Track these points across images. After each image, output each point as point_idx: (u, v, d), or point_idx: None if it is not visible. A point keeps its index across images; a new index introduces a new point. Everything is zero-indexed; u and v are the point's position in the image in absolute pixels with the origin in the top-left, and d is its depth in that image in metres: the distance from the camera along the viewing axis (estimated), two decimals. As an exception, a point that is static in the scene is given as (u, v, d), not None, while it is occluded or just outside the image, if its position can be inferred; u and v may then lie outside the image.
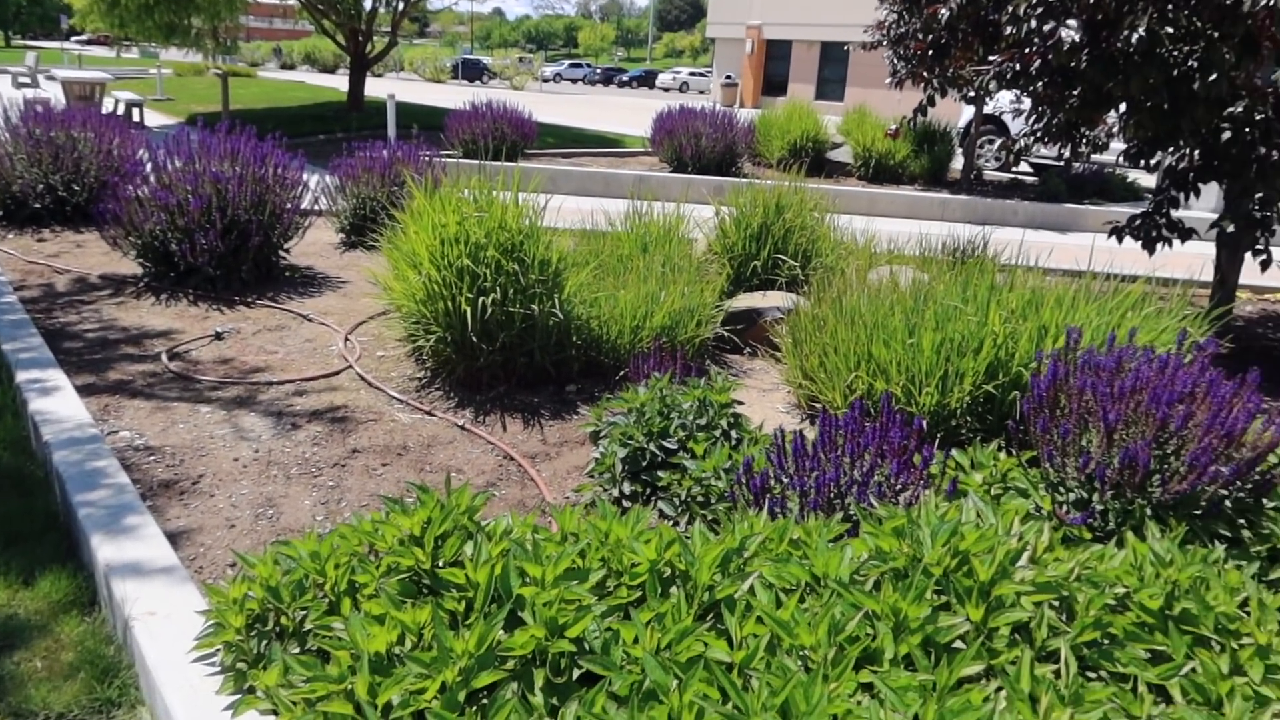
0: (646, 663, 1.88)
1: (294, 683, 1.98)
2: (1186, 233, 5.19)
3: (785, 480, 2.84)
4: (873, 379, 3.77)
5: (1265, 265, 4.98)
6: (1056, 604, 2.28)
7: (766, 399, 4.48)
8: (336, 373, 4.54)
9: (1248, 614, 2.34)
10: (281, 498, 3.29)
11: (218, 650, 2.22)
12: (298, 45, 51.56)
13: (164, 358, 4.61)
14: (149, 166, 6.00)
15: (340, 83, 25.29)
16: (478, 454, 3.76)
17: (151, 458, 3.54)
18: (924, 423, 2.90)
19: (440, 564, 2.25)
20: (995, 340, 3.58)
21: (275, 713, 2.02)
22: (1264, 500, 2.86)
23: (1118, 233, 5.35)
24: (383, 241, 4.90)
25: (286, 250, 6.54)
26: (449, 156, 10.01)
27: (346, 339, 5.04)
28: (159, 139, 6.27)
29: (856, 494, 2.70)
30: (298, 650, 2.16)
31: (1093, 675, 2.18)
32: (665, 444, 3.38)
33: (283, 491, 3.34)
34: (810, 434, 3.27)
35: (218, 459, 3.56)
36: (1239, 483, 2.81)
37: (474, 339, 4.14)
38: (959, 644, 2.11)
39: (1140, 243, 5.24)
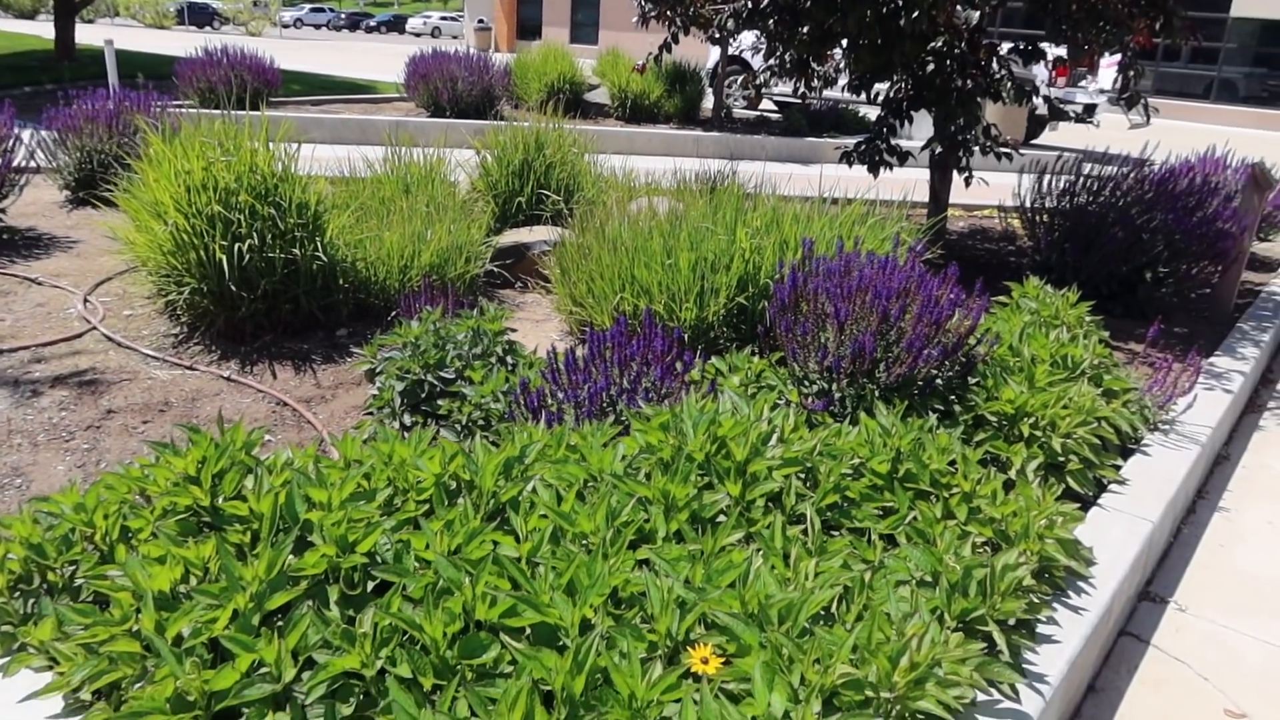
0: (439, 563, 1.99)
1: (71, 633, 1.93)
2: (904, 156, 5.78)
3: (560, 394, 3.00)
4: (637, 299, 3.99)
5: (968, 181, 5.65)
6: (803, 476, 2.59)
7: (540, 328, 4.62)
8: (79, 335, 4.22)
9: (955, 470, 2.75)
10: (30, 466, 3.08)
11: (-23, 617, 2.11)
12: (-15, -14, 45.27)
13: None
14: None
15: (43, 30, 22.57)
16: (248, 403, 3.66)
17: None
18: (684, 334, 3.13)
19: (220, 500, 2.23)
20: (744, 256, 3.89)
21: (52, 666, 1.96)
22: (969, 377, 3.33)
23: (846, 158, 5.87)
24: (118, 194, 4.57)
25: (2, 211, 5.91)
26: (184, 106, 9.30)
27: (86, 300, 4.68)
28: None
29: (626, 400, 2.90)
30: (70, 603, 2.09)
31: (836, 532, 2.50)
32: (443, 374, 3.45)
33: (30, 460, 3.12)
34: (581, 352, 3.44)
35: (-53, 434, 3.26)
36: (948, 363, 3.25)
37: (233, 288, 3.99)
38: (722, 517, 2.37)
39: (866, 167, 5.78)
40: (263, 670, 1.83)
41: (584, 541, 2.16)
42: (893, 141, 5.84)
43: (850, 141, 6.19)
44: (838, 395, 3.21)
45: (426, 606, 1.87)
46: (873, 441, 2.80)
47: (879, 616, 1.93)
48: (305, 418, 3.55)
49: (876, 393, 3.19)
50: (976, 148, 5.50)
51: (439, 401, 3.36)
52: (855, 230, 4.12)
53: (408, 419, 3.36)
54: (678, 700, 1.72)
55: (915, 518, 2.52)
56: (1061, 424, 3.09)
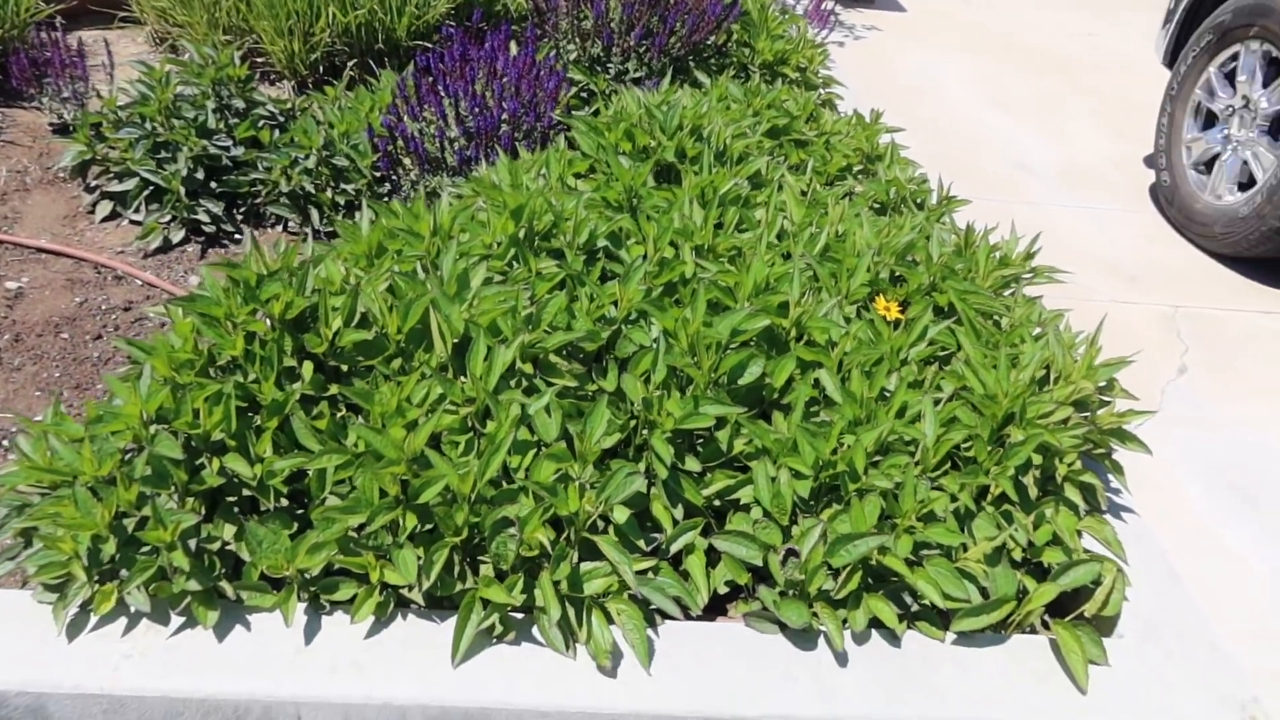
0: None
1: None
2: None
3: (439, 131, 2.65)
4: (338, 11, 3.39)
5: None
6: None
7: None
8: None
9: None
10: None
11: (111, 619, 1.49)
12: None
13: None
14: None
15: None
16: (-100, 253, 2.50)
17: None
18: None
19: (339, 336, 1.74)
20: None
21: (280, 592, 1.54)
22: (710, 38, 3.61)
23: None
24: None
25: None
26: None
27: None
28: None
29: (529, 120, 2.68)
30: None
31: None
32: (218, 142, 2.72)
33: None
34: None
35: None
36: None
37: None
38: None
39: None
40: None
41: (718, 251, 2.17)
42: None
43: None
44: (639, 74, 3.30)
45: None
46: (728, 102, 3.03)
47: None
48: (32, 245, 2.56)
49: (670, 63, 3.35)
50: None
51: (233, 177, 2.69)
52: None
53: (214, 206, 2.65)
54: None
55: (814, 163, 2.91)
56: (814, 62, 3.61)
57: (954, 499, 1.73)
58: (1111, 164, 4.30)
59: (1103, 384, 1.92)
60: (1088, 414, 1.90)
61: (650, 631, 1.56)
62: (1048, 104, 4.93)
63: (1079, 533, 1.76)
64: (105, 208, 2.69)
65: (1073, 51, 5.88)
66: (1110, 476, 1.92)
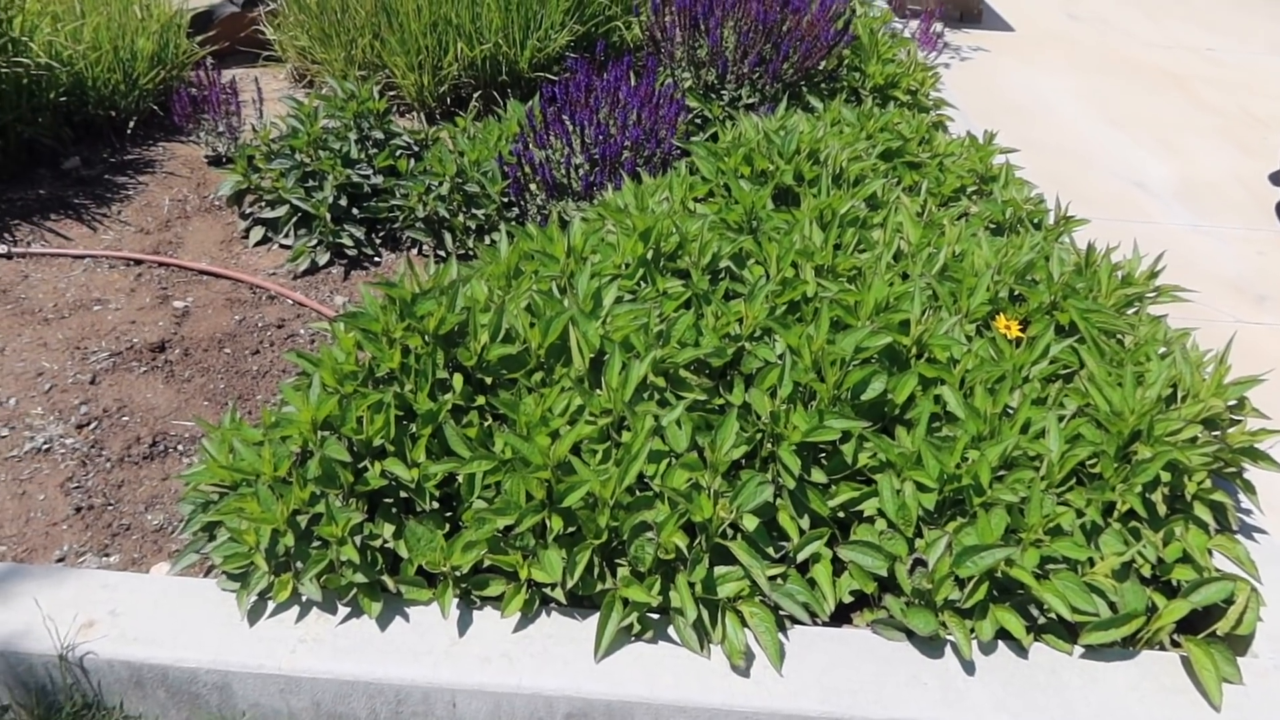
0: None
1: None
2: None
3: (567, 160, 2.78)
4: (464, 46, 3.58)
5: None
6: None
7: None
8: None
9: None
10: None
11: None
12: None
13: None
14: None
15: None
16: (81, 276, 2.75)
17: None
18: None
19: (488, 350, 1.87)
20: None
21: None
22: (821, 63, 3.68)
23: None
24: None
25: None
26: None
27: None
28: None
29: (652, 148, 2.80)
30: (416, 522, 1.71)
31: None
32: (360, 171, 2.92)
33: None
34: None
35: None
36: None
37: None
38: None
39: None
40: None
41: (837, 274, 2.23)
42: None
43: None
44: (753, 100, 3.38)
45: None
46: (840, 126, 3.09)
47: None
48: (191, 268, 2.79)
49: (783, 88, 3.42)
50: None
51: (374, 204, 2.87)
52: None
53: (357, 231, 2.84)
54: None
55: (928, 185, 2.94)
56: (925, 85, 3.64)
57: (1080, 514, 1.75)
58: (1235, 181, 4.19)
59: (1233, 403, 1.90)
60: (1218, 433, 1.89)
61: (780, 635, 1.63)
62: (1165, 121, 4.83)
63: (1209, 551, 1.76)
64: (258, 233, 2.91)
65: (1191, 67, 5.73)
66: (1242, 496, 1.90)
